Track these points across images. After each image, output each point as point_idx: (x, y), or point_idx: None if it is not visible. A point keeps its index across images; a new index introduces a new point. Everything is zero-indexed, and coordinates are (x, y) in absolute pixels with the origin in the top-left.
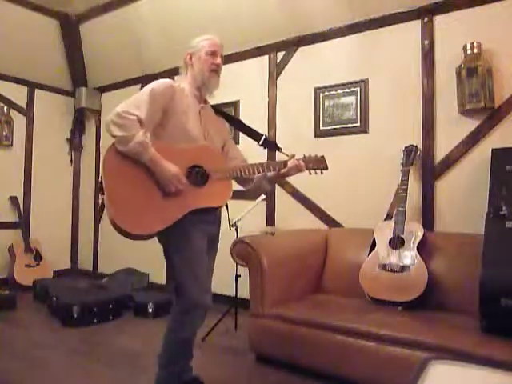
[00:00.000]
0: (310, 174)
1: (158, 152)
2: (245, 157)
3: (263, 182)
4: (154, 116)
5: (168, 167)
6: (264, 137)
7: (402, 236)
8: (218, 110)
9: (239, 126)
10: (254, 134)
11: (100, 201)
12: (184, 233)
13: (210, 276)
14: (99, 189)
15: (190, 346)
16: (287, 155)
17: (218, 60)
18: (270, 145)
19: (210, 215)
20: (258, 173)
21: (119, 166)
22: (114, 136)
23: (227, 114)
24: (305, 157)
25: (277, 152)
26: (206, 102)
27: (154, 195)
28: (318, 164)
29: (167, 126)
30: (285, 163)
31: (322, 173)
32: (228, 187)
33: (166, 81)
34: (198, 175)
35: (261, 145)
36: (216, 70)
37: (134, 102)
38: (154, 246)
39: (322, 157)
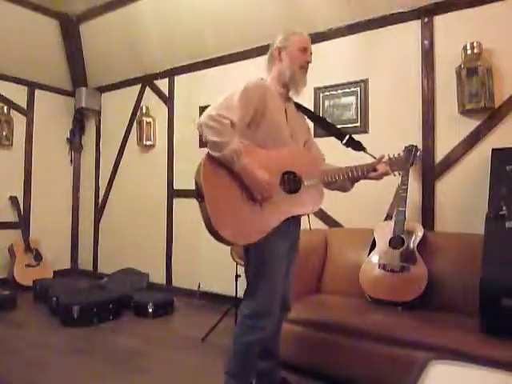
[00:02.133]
0: (395, 175)
1: (249, 157)
2: (324, 155)
3: (347, 182)
4: (245, 117)
5: (260, 175)
6: (348, 136)
7: (402, 236)
8: (302, 107)
9: (323, 124)
10: (337, 133)
11: (200, 208)
12: (267, 242)
13: (289, 278)
14: (196, 195)
15: (264, 350)
16: (374, 157)
17: (309, 57)
18: (355, 145)
19: (296, 220)
20: (349, 177)
21: (216, 171)
22: (208, 140)
23: (311, 111)
24: (390, 158)
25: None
26: (289, 99)
27: (249, 203)
28: (404, 165)
29: (258, 126)
30: (374, 167)
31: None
32: (320, 193)
33: (256, 81)
34: (290, 182)
35: (344, 144)
36: (306, 68)
37: (225, 104)
38: (154, 246)
39: (408, 155)
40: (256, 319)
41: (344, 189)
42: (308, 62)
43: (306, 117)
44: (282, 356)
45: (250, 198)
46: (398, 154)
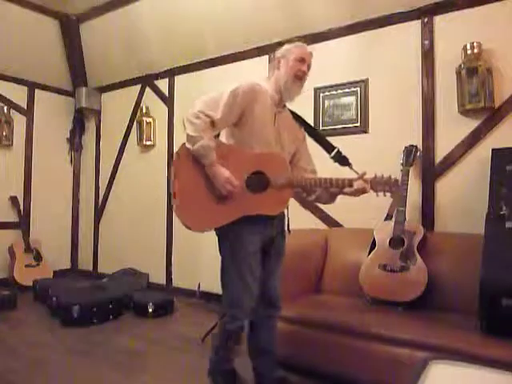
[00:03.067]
0: (378, 196)
1: (225, 154)
2: (315, 168)
3: (324, 195)
4: (230, 117)
5: (221, 172)
6: (337, 150)
7: (402, 236)
8: (296, 115)
9: (313, 135)
10: (326, 145)
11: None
12: (237, 236)
13: (275, 277)
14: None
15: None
16: (357, 173)
17: (305, 67)
18: (342, 159)
19: (268, 220)
20: (320, 187)
21: (188, 162)
22: (186, 134)
23: (304, 120)
24: (376, 177)
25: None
26: (284, 106)
27: (212, 195)
28: (388, 187)
29: (243, 127)
30: (350, 182)
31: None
32: (286, 197)
33: (248, 83)
34: (258, 182)
35: (331, 157)
36: (300, 77)
37: (212, 102)
38: (154, 246)
39: (396, 180)
40: (229, 309)
41: (323, 201)
42: (304, 72)
43: (302, 128)
44: (281, 356)
45: (214, 190)
46: (389, 176)
